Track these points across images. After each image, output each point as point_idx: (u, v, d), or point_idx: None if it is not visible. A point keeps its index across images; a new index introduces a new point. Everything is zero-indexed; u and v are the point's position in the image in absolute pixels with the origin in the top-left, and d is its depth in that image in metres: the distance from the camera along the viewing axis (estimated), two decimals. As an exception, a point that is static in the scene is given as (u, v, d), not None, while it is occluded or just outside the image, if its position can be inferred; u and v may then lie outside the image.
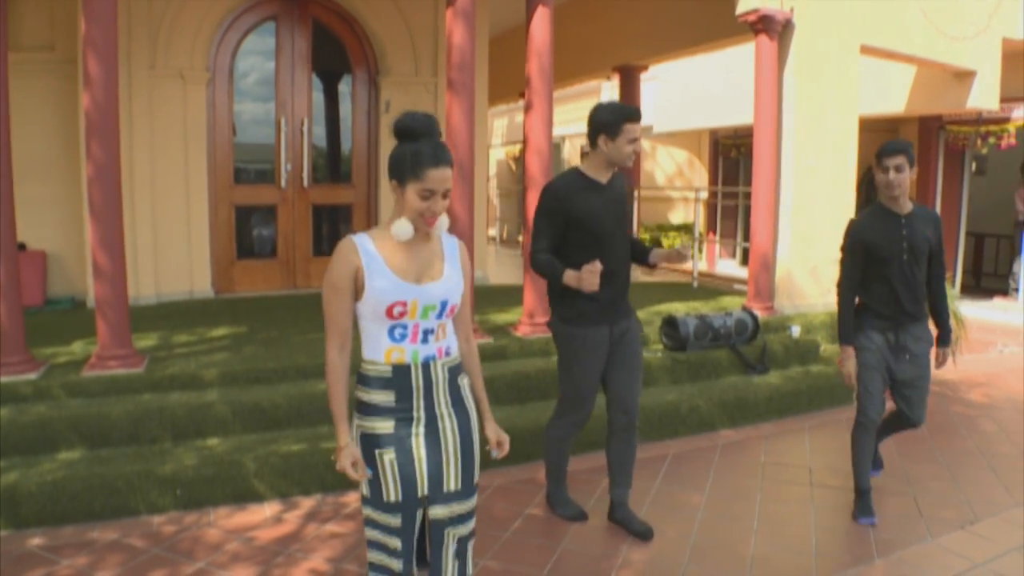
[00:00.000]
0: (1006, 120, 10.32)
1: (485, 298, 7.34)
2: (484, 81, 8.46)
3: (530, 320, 5.98)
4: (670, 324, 6.17)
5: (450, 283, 2.46)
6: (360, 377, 2.47)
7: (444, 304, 2.43)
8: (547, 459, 4.11)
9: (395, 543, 2.44)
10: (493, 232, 19.20)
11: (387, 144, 8.11)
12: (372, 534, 2.49)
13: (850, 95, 7.42)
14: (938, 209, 11.19)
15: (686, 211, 15.71)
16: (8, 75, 4.75)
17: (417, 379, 2.43)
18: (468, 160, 5.61)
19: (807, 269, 7.35)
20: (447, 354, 2.50)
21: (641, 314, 6.85)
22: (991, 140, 10.55)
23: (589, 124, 3.70)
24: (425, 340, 2.43)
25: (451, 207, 5.60)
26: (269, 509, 4.19)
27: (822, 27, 7.21)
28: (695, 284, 9.23)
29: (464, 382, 2.58)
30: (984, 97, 9.03)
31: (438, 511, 2.46)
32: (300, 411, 4.76)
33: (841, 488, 4.52)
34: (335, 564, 3.60)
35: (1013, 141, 10.40)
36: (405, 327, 2.40)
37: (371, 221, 8.31)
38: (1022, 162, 11.34)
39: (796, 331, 6.78)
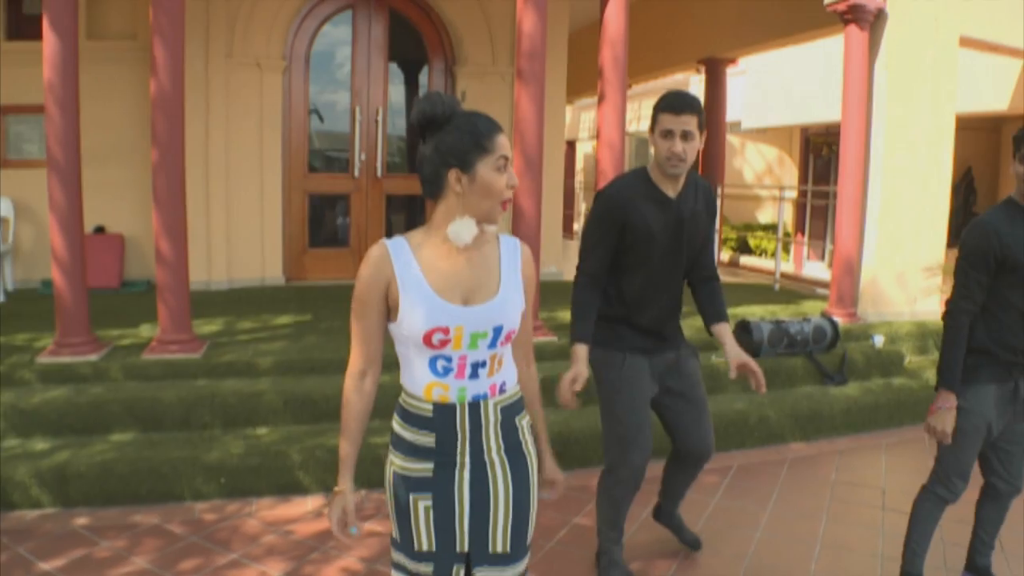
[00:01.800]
0: (1124, 120, 9.55)
1: (557, 294, 7.11)
2: (562, 72, 8.27)
3: (595, 319, 5.75)
4: (743, 328, 5.85)
5: (507, 303, 1.98)
6: (398, 408, 2.06)
7: (498, 331, 1.96)
8: (598, 516, 3.41)
9: None
10: (579, 227, 19.00)
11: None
12: None
13: (947, 90, 6.93)
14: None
15: (774, 210, 15.15)
16: (78, 65, 4.77)
17: (463, 422, 1.98)
18: (536, 153, 5.41)
19: (894, 275, 6.90)
20: (502, 391, 2.04)
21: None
22: (1107, 142, 9.77)
23: None
24: (475, 375, 1.98)
25: (517, 201, 5.43)
26: (312, 502, 4.11)
27: (918, 16, 6.73)
28: (776, 286, 8.84)
29: (524, 423, 2.11)
30: (1100, 95, 8.36)
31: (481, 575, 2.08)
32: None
33: (917, 513, 4.17)
34: (369, 564, 3.48)
35: None
36: (449, 359, 1.95)
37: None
38: None
39: (879, 340, 6.37)
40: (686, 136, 2.89)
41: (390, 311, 1.96)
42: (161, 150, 4.79)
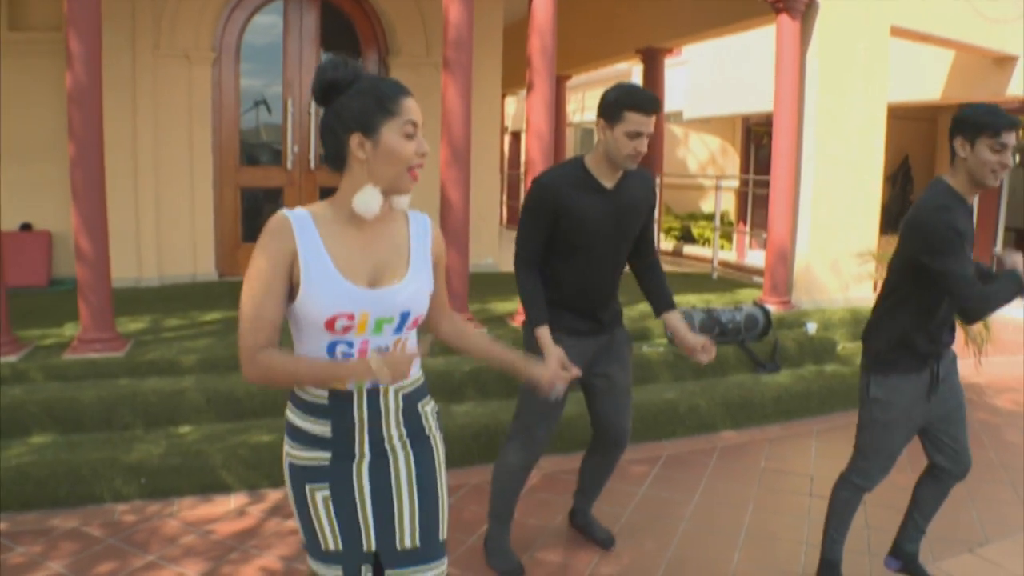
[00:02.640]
0: (1051, 109, 9.78)
1: (493, 286, 7.13)
2: (497, 62, 8.25)
3: (529, 310, 5.74)
4: (676, 318, 5.89)
5: (415, 286, 1.89)
6: (292, 396, 1.95)
7: (405, 316, 1.87)
8: (493, 493, 3.41)
9: None
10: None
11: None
12: None
13: (878, 80, 7.05)
14: (976, 204, 10.68)
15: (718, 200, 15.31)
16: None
17: (361, 410, 1.88)
18: (464, 143, 5.40)
19: (827, 262, 7.02)
20: (404, 376, 1.88)
21: (647, 306, 6.58)
22: (1035, 130, 9.99)
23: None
24: None
25: (444, 192, 5.41)
26: (234, 501, 4.05)
27: (849, 7, 6.84)
28: (714, 275, 8.94)
29: (428, 409, 2.01)
30: (1027, 84, 8.57)
31: None
32: (276, 401, 4.61)
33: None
34: (288, 563, 3.44)
35: (1059, 131, 9.84)
36: (350, 344, 1.84)
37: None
38: (1067, 153, 10.77)
39: (812, 328, 6.47)
40: (648, 136, 2.95)
41: (291, 289, 1.81)
42: (78, 144, 4.67)
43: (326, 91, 1.81)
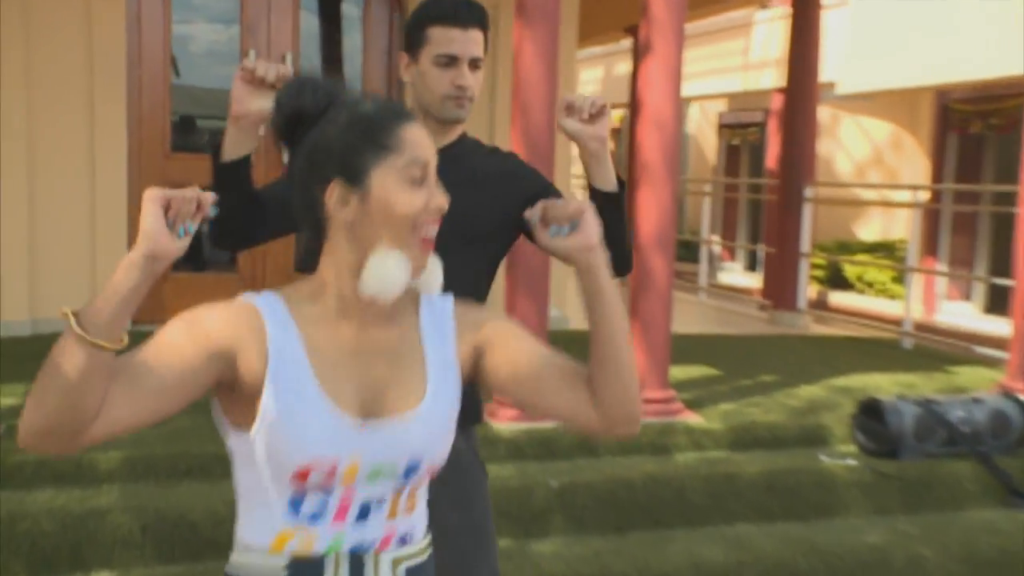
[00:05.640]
0: None
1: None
2: (573, 6, 8.24)
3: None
4: (871, 412, 5.86)
5: (435, 417, 1.90)
6: (232, 569, 1.91)
7: (414, 466, 1.89)
8: None
9: None
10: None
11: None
12: None
13: None
14: None
15: (886, 222, 15.17)
16: None
17: None
18: (546, 133, 5.36)
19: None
20: (403, 543, 1.93)
21: (817, 390, 6.54)
22: None
23: None
24: (363, 517, 1.87)
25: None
26: None
27: None
28: (906, 343, 8.84)
29: None
30: None
31: None
32: (74, 543, 4.41)
33: None
34: None
35: None
36: (326, 497, 1.84)
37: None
38: None
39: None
40: (474, 64, 2.87)
41: (221, 397, 1.82)
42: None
43: (292, 125, 1.83)
